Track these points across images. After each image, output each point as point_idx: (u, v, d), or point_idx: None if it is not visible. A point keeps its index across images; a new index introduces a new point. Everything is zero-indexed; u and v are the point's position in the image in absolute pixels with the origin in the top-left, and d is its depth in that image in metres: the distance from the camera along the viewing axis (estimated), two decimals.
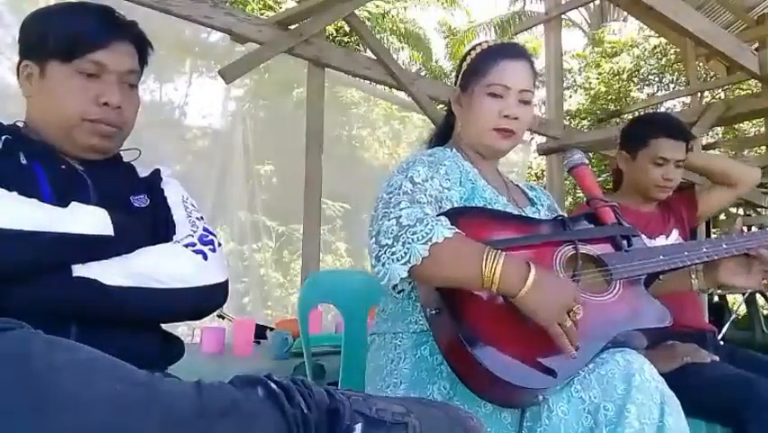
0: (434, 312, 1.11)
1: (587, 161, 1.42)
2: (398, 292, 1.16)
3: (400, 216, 1.05)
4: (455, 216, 1.11)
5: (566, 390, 1.07)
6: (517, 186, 1.47)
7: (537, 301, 1.02)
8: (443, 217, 1.06)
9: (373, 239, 1.06)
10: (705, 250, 1.34)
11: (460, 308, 1.06)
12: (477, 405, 1.10)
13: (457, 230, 1.04)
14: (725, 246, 1.37)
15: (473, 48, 1.39)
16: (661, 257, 1.28)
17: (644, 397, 1.02)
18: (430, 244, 1.01)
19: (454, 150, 1.34)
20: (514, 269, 1.02)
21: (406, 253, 1.01)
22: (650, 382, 1.04)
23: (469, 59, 1.37)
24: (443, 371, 1.14)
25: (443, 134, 1.45)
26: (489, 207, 1.27)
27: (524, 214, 1.34)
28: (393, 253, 1.02)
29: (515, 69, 1.31)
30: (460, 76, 1.39)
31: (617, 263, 1.23)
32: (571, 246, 1.22)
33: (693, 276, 1.44)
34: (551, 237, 1.23)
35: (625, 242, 1.28)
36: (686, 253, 1.32)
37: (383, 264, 1.03)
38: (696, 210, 2.01)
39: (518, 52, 1.34)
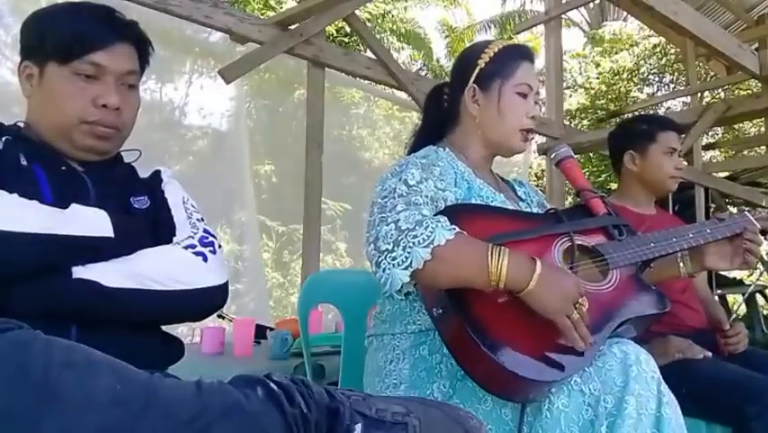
0: (439, 312, 1.10)
1: (573, 155, 1.43)
2: (405, 295, 1.16)
3: (398, 220, 1.03)
4: (454, 213, 1.10)
5: (566, 383, 1.06)
6: (506, 182, 1.47)
7: (544, 295, 1.02)
8: (442, 218, 1.05)
9: (371, 245, 1.05)
10: (691, 235, 1.38)
11: (466, 304, 1.06)
12: (477, 403, 1.10)
13: (458, 229, 1.03)
14: (709, 231, 1.41)
15: (486, 46, 1.36)
16: (652, 244, 1.30)
17: (642, 388, 1.02)
18: (432, 246, 0.99)
19: (447, 149, 1.32)
20: (520, 264, 1.02)
21: (407, 258, 1.00)
22: (646, 372, 1.04)
23: (486, 57, 1.34)
24: (443, 370, 1.14)
25: (431, 133, 1.41)
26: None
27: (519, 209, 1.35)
28: (393, 258, 1.01)
29: (532, 71, 1.33)
30: (476, 74, 1.33)
31: (612, 252, 1.24)
32: (567, 238, 1.23)
33: (680, 262, 1.46)
34: (547, 230, 1.23)
35: (616, 231, 1.30)
36: (674, 240, 1.35)
37: (384, 270, 1.02)
38: None
39: (532, 54, 1.37)
